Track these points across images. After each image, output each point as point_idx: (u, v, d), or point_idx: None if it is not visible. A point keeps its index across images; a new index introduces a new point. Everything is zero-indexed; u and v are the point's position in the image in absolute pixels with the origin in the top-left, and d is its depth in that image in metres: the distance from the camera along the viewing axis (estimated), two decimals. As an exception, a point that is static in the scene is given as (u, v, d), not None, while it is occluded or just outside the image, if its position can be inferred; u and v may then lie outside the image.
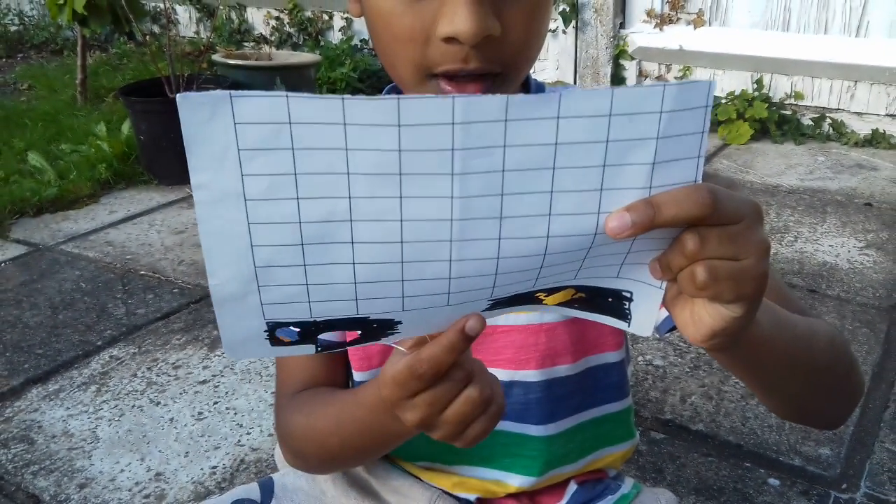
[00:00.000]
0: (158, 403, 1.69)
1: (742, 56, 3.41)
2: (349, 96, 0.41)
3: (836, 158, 3.17)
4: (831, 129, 3.37)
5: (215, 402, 1.69)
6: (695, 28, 3.50)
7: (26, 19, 5.63)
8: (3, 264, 2.39)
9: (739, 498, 1.42)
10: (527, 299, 0.52)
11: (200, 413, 1.65)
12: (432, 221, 0.44)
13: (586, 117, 0.42)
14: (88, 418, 1.65)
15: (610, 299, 0.52)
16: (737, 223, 0.46)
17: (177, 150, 2.98)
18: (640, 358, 1.83)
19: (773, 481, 1.45)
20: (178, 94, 0.41)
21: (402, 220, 0.44)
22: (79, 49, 3.79)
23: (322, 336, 0.51)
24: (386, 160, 0.42)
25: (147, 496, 1.43)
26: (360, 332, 0.51)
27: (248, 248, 0.45)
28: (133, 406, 1.68)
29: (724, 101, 3.39)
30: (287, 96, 0.41)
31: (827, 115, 3.37)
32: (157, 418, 1.64)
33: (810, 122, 3.39)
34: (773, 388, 0.63)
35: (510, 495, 0.84)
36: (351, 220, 0.44)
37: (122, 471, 1.49)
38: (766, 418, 1.62)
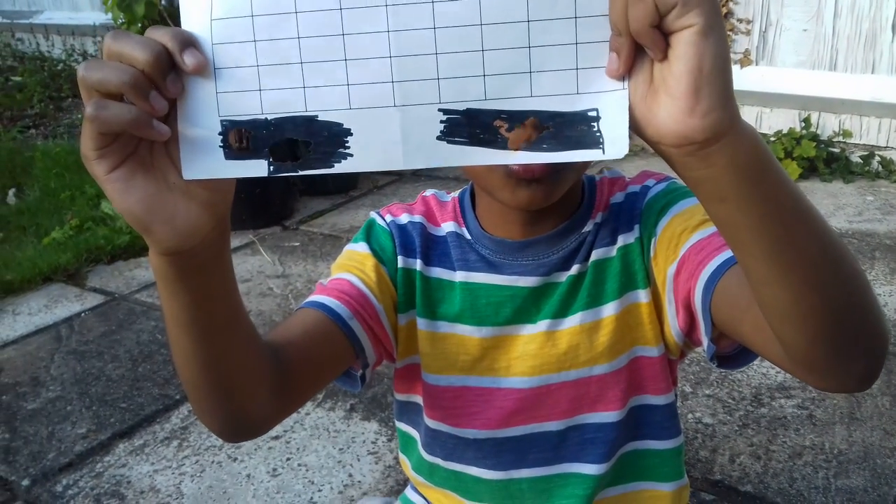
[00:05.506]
0: (235, 459, 1.81)
1: (789, 95, 3.45)
2: None
3: (885, 198, 3.19)
4: (880, 166, 3.38)
5: (287, 458, 1.81)
6: (741, 67, 3.55)
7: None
8: (83, 315, 2.56)
9: (787, 562, 1.48)
10: (487, 130, 0.53)
11: (275, 469, 1.77)
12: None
13: None
14: (172, 473, 1.78)
15: (579, 127, 0.52)
16: None
17: (240, 197, 3.13)
18: (689, 415, 1.89)
19: (820, 545, 1.51)
20: None
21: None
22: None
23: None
24: None
25: (229, 551, 1.55)
26: (311, 145, 0.55)
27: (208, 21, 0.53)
28: (213, 461, 1.81)
29: (772, 139, 3.43)
30: None
31: (876, 152, 3.39)
32: (235, 474, 1.76)
33: (859, 160, 3.41)
34: (778, 267, 0.55)
35: None
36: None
37: (205, 526, 1.62)
38: (812, 479, 1.67)
